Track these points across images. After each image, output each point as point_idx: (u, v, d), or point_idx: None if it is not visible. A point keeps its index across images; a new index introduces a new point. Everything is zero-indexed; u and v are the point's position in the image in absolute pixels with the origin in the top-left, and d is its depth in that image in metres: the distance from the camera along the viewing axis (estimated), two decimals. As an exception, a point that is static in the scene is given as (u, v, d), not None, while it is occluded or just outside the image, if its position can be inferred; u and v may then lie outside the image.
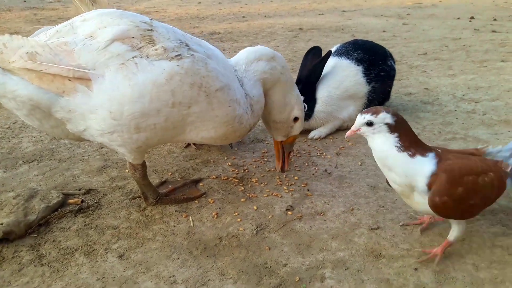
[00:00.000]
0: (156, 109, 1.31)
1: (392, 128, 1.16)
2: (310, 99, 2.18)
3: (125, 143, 1.37)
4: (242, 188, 1.74)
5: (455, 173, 1.13)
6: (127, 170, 1.92)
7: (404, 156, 1.16)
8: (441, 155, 1.18)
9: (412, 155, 1.15)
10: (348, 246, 1.35)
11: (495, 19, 5.29)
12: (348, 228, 1.43)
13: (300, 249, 1.35)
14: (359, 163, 1.88)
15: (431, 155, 1.16)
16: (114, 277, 1.28)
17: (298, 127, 1.73)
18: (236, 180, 1.80)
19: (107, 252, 1.39)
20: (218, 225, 1.51)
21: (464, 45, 4.04)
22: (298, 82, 2.19)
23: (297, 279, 1.23)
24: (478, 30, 4.76)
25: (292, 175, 1.81)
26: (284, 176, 1.81)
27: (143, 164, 1.53)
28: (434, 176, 1.14)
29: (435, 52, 3.89)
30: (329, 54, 2.19)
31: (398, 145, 1.16)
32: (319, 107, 2.19)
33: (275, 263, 1.30)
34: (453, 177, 1.12)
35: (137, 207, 1.63)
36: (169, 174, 1.90)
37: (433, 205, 1.13)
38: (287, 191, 1.69)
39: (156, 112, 1.32)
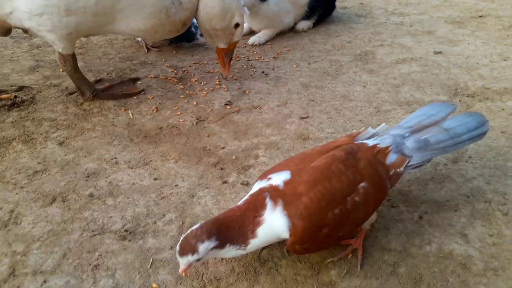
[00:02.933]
0: None
1: (209, 250, 0.83)
2: None
3: (55, 28, 1.33)
4: (182, 86, 1.77)
5: (313, 217, 0.85)
6: (61, 70, 1.88)
7: (246, 245, 0.86)
8: (284, 194, 0.87)
9: (250, 238, 0.85)
10: (280, 132, 1.46)
11: None
12: (281, 118, 1.54)
13: (237, 136, 1.45)
14: (294, 66, 1.97)
15: (269, 207, 0.86)
16: (55, 160, 1.31)
17: (239, 32, 1.66)
18: (175, 80, 1.82)
19: (46, 140, 1.40)
20: (158, 117, 1.55)
21: (398, -33, 4.14)
22: None
23: (234, 157, 1.33)
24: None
25: (231, 76, 1.87)
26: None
27: (73, 55, 1.50)
28: (292, 228, 0.85)
29: (370, -28, 3.96)
30: None
31: (237, 245, 0.85)
32: (271, 4, 2.21)
33: (214, 147, 1.38)
34: (312, 223, 0.85)
35: (74, 102, 1.63)
36: (105, 73, 1.88)
37: (294, 252, 0.90)
38: (226, 89, 1.75)
39: None
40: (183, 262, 0.83)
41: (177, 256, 0.83)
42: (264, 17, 2.23)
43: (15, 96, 1.63)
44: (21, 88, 1.71)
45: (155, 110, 1.60)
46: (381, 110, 1.56)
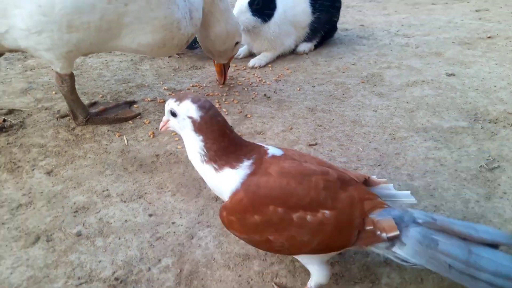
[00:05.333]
0: (90, 3, 1.19)
1: (196, 127, 0.81)
2: (271, 1, 2.12)
3: (55, 46, 1.23)
4: (180, 110, 1.67)
5: (257, 196, 0.78)
6: (54, 92, 1.78)
7: (208, 168, 0.82)
8: (262, 164, 0.82)
9: (218, 168, 0.82)
10: (288, 160, 1.35)
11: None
12: (287, 145, 1.43)
13: (240, 164, 1.33)
14: (298, 89, 1.87)
15: (244, 166, 0.81)
16: (41, 192, 1.19)
17: (237, 48, 1.80)
18: (173, 103, 1.72)
19: (33, 169, 1.29)
20: (154, 143, 1.44)
21: (398, -11, 4.11)
22: None
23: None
24: (412, -24, 4.86)
25: (232, 99, 1.77)
26: (223, 100, 1.76)
27: (71, 75, 1.40)
28: (233, 194, 0.80)
29: (371, -6, 3.92)
30: None
31: (202, 152, 0.82)
32: (272, 25, 2.13)
33: (215, 177, 1.27)
34: (251, 201, 0.78)
35: (66, 127, 1.52)
36: (100, 96, 1.78)
37: (220, 218, 0.83)
38: (226, 113, 1.65)
39: (90, 8, 1.19)
40: (166, 108, 0.85)
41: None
42: (265, 39, 2.15)
43: (4, 120, 1.53)
44: (11, 112, 1.61)
45: (151, 135, 1.49)
46: (397, 137, 1.45)
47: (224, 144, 0.81)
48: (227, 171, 0.81)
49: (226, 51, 1.73)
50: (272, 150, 0.85)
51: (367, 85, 1.88)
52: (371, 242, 0.79)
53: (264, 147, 0.87)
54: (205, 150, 0.81)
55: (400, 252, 0.77)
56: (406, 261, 0.78)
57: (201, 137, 0.81)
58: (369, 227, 0.78)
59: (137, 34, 1.34)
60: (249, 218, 0.78)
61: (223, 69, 1.85)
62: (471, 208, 1.11)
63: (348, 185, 0.82)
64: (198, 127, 0.81)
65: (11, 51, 1.37)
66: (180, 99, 0.82)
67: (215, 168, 0.81)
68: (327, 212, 0.77)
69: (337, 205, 0.78)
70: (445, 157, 1.34)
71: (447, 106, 1.65)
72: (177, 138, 1.47)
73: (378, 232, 0.77)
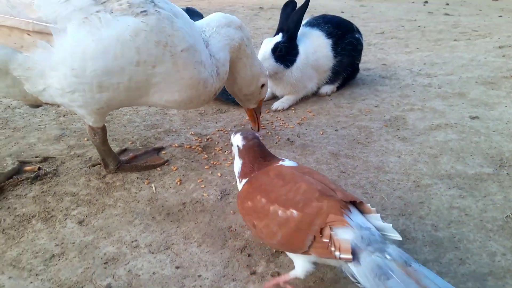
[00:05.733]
0: (120, 66, 1.26)
1: (240, 153, 1.13)
2: (293, 47, 2.18)
3: (87, 104, 1.31)
4: (206, 156, 1.72)
5: (252, 186, 1.04)
6: (86, 139, 1.86)
7: (239, 181, 1.13)
8: (268, 169, 1.07)
9: (241, 181, 1.12)
10: (312, 209, 1.36)
11: (447, 4, 5.46)
12: (312, 192, 1.45)
13: (264, 213, 1.36)
14: (321, 133, 1.90)
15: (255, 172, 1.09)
16: (73, 243, 1.24)
17: (264, 91, 1.79)
18: (199, 149, 1.77)
19: (66, 218, 1.34)
20: (181, 191, 1.49)
21: (419, 26, 4.15)
22: (279, 31, 2.20)
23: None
24: (432, 13, 4.90)
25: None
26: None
27: (103, 128, 1.47)
28: (242, 186, 1.10)
29: (392, 31, 3.97)
30: (308, 1, 2.21)
31: (240, 171, 1.12)
32: (295, 70, 2.18)
33: (240, 227, 1.29)
34: (248, 189, 1.04)
35: (97, 175, 1.58)
36: (130, 142, 1.85)
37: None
38: (250, 158, 1.69)
39: (120, 70, 1.26)
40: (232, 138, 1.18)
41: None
42: (288, 83, 2.21)
43: (39, 168, 1.60)
44: (45, 159, 1.69)
45: (178, 182, 1.53)
46: (421, 185, 1.45)
47: (253, 168, 1.09)
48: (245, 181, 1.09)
49: (253, 94, 1.73)
50: (286, 162, 1.09)
51: (390, 129, 1.89)
52: (324, 254, 0.86)
53: (280, 160, 1.11)
54: (241, 171, 1.11)
55: (353, 269, 0.83)
56: (356, 280, 0.83)
57: (241, 161, 1.12)
58: (325, 239, 0.85)
59: (164, 92, 1.40)
60: (246, 203, 1.02)
61: (255, 115, 1.84)
62: (498, 261, 1.10)
63: (326, 198, 0.91)
64: (240, 154, 1.13)
65: (47, 103, 1.46)
66: (235, 132, 1.17)
67: (239, 180, 1.11)
68: (295, 212, 0.91)
69: (305, 210, 0.90)
70: (470, 206, 1.33)
71: (471, 151, 1.64)
72: (203, 186, 1.51)
73: (333, 249, 0.83)
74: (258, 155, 1.10)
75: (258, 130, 1.87)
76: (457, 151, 1.66)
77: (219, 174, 1.58)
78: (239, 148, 1.13)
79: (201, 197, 1.44)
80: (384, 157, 1.65)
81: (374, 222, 0.90)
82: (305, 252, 0.89)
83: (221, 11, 4.96)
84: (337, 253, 0.82)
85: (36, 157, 1.69)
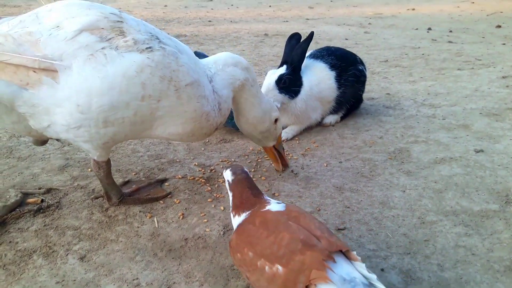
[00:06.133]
0: (125, 102, 1.27)
1: (230, 187, 1.22)
2: (297, 79, 2.20)
3: (92, 139, 1.32)
4: (209, 188, 1.71)
5: (239, 239, 1.06)
6: (89, 169, 1.86)
7: (231, 215, 1.19)
8: (255, 214, 1.10)
9: (234, 215, 1.17)
10: (316, 246, 1.35)
11: (451, 31, 5.50)
12: (315, 228, 1.43)
13: (267, 249, 1.34)
14: (325, 164, 1.89)
15: (243, 215, 1.13)
16: (74, 280, 1.22)
17: (279, 125, 1.80)
18: (202, 180, 1.77)
19: (67, 254, 1.33)
20: (184, 226, 1.48)
21: (423, 54, 4.17)
22: (284, 63, 2.22)
23: None
24: (436, 40, 4.94)
25: (259, 176, 1.80)
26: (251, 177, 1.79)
27: (108, 162, 1.48)
28: (232, 235, 1.11)
29: (395, 59, 4.00)
30: (312, 34, 2.23)
31: (231, 205, 1.19)
32: (299, 101, 2.19)
33: (243, 264, 1.28)
34: (236, 241, 1.06)
35: (100, 207, 1.58)
36: (133, 173, 1.85)
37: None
38: (254, 191, 1.68)
39: (125, 105, 1.28)
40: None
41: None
42: (292, 114, 2.22)
43: (42, 201, 1.60)
44: (48, 191, 1.69)
45: (181, 216, 1.52)
46: (426, 222, 1.44)
47: (244, 197, 1.15)
48: (236, 218, 1.15)
49: (269, 130, 1.74)
50: (273, 206, 1.10)
51: (395, 162, 1.88)
52: None
53: (267, 201, 1.14)
54: (233, 203, 1.17)
55: None
56: None
57: (231, 193, 1.20)
58: None
59: (168, 125, 1.41)
60: (236, 254, 1.04)
61: (276, 154, 1.82)
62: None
63: (308, 249, 0.91)
64: (231, 187, 1.20)
65: (52, 138, 1.47)
66: (226, 168, 1.25)
67: (233, 215, 1.17)
68: (280, 268, 0.92)
69: (289, 265, 0.91)
70: (476, 245, 1.31)
71: (476, 187, 1.63)
72: (205, 220, 1.50)
73: None
74: (246, 187, 1.18)
75: (284, 168, 1.85)
76: (462, 186, 1.64)
77: (222, 208, 1.57)
78: (229, 183, 1.22)
79: (204, 233, 1.43)
80: (388, 191, 1.64)
81: (360, 270, 0.90)
82: None
83: (227, 37, 5.03)
84: None
85: (40, 189, 1.69)
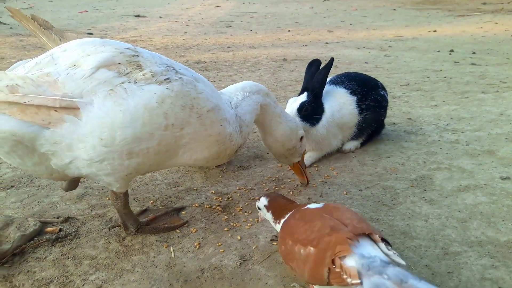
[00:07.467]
0: (149, 132, 1.30)
1: (267, 208, 1.39)
2: (319, 106, 2.20)
3: (115, 171, 1.34)
4: (226, 217, 1.70)
5: (283, 231, 1.25)
6: (107, 198, 1.87)
7: (274, 226, 1.37)
8: (296, 213, 1.26)
9: (276, 224, 1.35)
10: (334, 278, 1.31)
11: (474, 52, 5.43)
12: (334, 259, 1.40)
13: (285, 282, 1.31)
14: (344, 192, 1.86)
15: (285, 217, 1.31)
16: (89, 311, 1.22)
17: (304, 142, 1.89)
18: (219, 209, 1.76)
19: (83, 284, 1.33)
20: (200, 256, 1.46)
21: (445, 77, 4.12)
22: (304, 90, 2.24)
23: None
24: (458, 62, 4.88)
25: (277, 204, 1.78)
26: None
27: (126, 193, 1.49)
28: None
29: (417, 83, 3.95)
30: (332, 60, 2.25)
31: (272, 218, 1.37)
32: (320, 128, 2.19)
33: (259, 297, 1.25)
34: (281, 235, 1.24)
35: (117, 237, 1.58)
36: (151, 202, 1.85)
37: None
38: (271, 220, 1.66)
39: (149, 136, 1.30)
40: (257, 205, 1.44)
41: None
42: (313, 140, 2.20)
43: (60, 230, 1.61)
44: (66, 220, 1.70)
45: (197, 246, 1.51)
46: (449, 252, 1.38)
47: (281, 209, 1.34)
48: (277, 225, 1.33)
49: (295, 147, 1.82)
50: (311, 205, 1.26)
51: (417, 190, 1.83)
52: (341, 282, 0.98)
53: (305, 205, 1.29)
54: (274, 217, 1.35)
55: None
56: None
57: (270, 212, 1.37)
58: (337, 269, 0.98)
59: (194, 151, 1.46)
60: (281, 248, 1.21)
61: (301, 169, 1.92)
62: None
63: (335, 232, 1.06)
64: (268, 208, 1.38)
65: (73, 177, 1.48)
66: (258, 199, 1.43)
67: (275, 224, 1.35)
68: (312, 249, 1.07)
69: (319, 245, 1.06)
70: (503, 277, 1.25)
71: (503, 216, 1.57)
72: (222, 250, 1.48)
73: (345, 276, 0.96)
74: (282, 200, 1.38)
75: (307, 183, 1.95)
76: (487, 216, 1.58)
77: (238, 238, 1.55)
78: (266, 206, 1.39)
79: (220, 263, 1.41)
80: (410, 221, 1.59)
81: (382, 248, 1.03)
82: (328, 283, 1.01)
83: (246, 63, 5.08)
84: (348, 280, 0.95)
85: (58, 218, 1.71)
